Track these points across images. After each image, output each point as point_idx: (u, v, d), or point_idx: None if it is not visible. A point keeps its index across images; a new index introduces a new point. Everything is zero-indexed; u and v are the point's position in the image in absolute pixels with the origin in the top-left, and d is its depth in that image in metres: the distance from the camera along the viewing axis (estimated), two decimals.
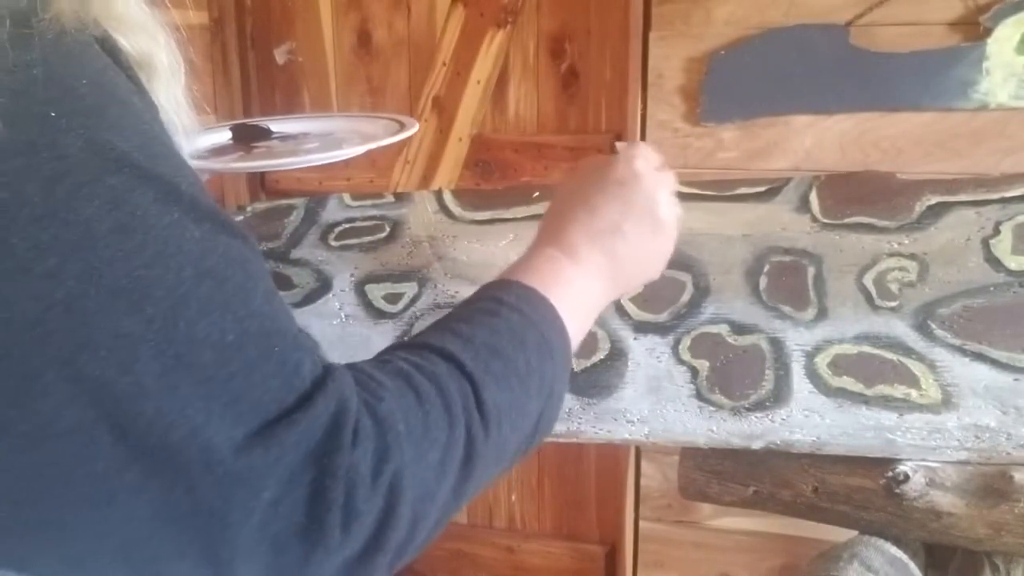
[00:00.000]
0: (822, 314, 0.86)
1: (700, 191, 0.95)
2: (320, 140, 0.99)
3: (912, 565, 0.87)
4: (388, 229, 1.00)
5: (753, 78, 1.49)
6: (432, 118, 1.87)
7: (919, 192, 0.89)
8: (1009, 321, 0.82)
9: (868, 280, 0.87)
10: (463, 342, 0.53)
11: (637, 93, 1.59)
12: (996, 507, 0.80)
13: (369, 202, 1.03)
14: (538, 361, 0.56)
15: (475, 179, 1.88)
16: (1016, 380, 0.80)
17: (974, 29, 1.38)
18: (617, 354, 0.88)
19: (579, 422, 0.85)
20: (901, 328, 0.84)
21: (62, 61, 0.40)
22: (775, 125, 1.50)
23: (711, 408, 0.84)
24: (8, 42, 0.38)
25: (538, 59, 1.83)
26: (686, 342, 0.88)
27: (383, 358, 0.52)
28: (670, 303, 0.89)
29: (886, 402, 0.82)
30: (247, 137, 1.00)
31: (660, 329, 0.89)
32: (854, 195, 0.90)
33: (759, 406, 0.84)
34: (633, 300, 0.90)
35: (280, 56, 1.99)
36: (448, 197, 1.01)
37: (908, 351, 0.83)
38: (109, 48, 0.44)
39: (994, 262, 0.84)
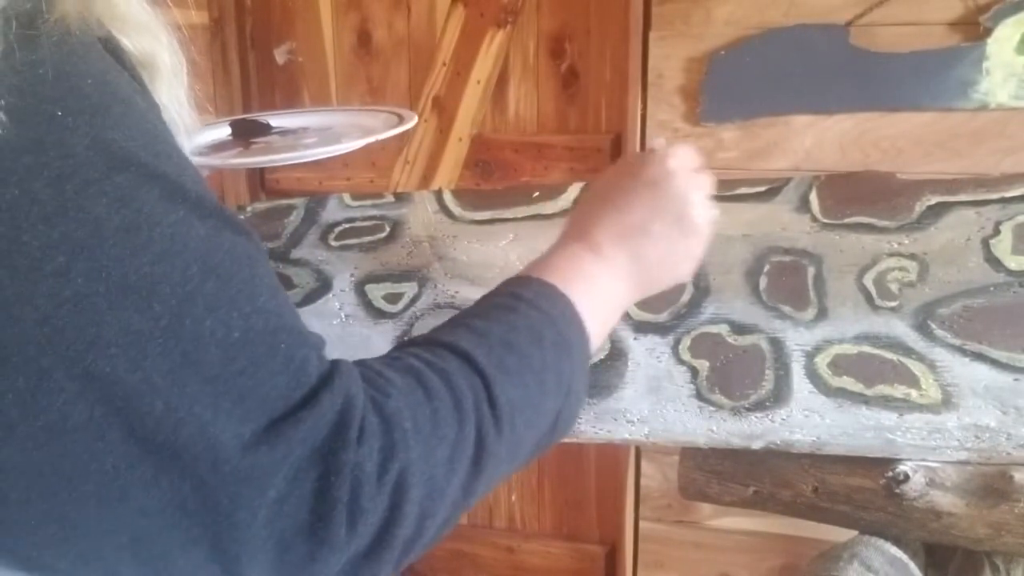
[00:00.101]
0: (822, 314, 0.86)
1: None
2: (319, 135, 0.99)
3: (912, 565, 0.87)
4: (388, 229, 1.00)
5: (753, 78, 1.49)
6: (432, 118, 1.87)
7: (919, 192, 0.89)
8: (1009, 321, 0.82)
9: (868, 280, 0.87)
10: (477, 338, 0.53)
11: (637, 93, 1.59)
12: (996, 507, 0.81)
13: (369, 202, 1.03)
14: (555, 358, 0.56)
15: (475, 179, 1.88)
16: (1016, 380, 0.80)
17: (974, 29, 1.38)
18: (617, 354, 0.88)
19: (579, 422, 0.85)
20: (901, 328, 0.84)
21: (67, 61, 0.40)
22: (775, 125, 1.50)
23: (711, 408, 0.84)
24: (14, 42, 0.39)
25: (538, 59, 1.83)
26: (686, 342, 0.88)
27: (394, 355, 0.52)
28: (670, 303, 0.89)
29: (886, 402, 0.82)
30: (246, 132, 0.99)
31: (660, 329, 0.89)
32: (854, 195, 0.90)
33: (759, 406, 0.84)
34: None
35: (280, 56, 1.99)
36: (448, 197, 1.01)
37: (908, 351, 0.83)
38: (112, 48, 0.44)
39: (994, 262, 0.85)
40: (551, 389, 0.55)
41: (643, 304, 0.90)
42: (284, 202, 1.05)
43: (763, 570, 1.69)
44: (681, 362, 0.87)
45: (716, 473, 0.91)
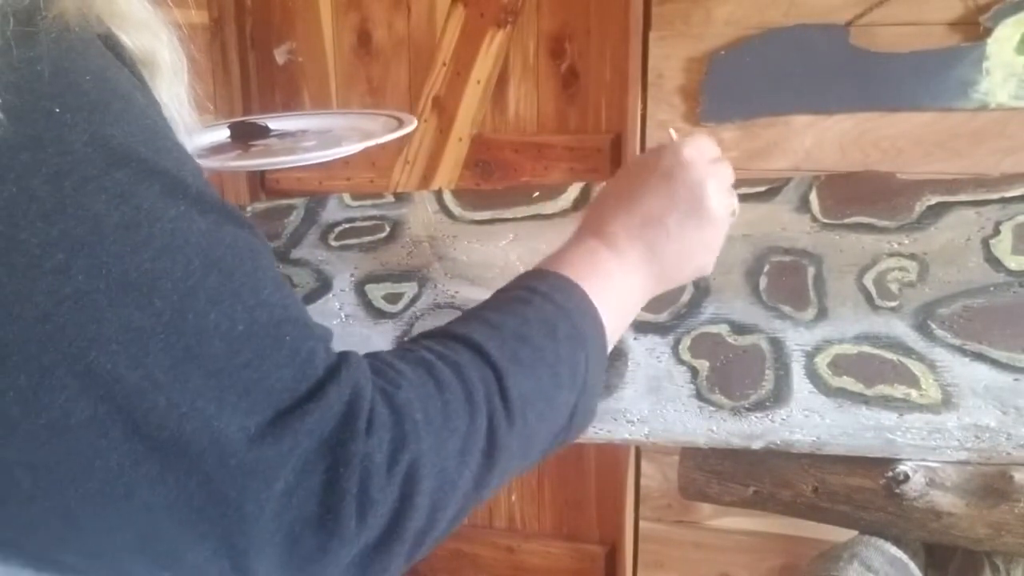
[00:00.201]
0: (822, 314, 0.86)
1: None
2: (318, 138, 0.99)
3: (912, 565, 0.87)
4: (388, 229, 1.00)
5: (753, 78, 1.49)
6: (432, 118, 1.87)
7: (919, 192, 0.89)
8: (1009, 321, 0.82)
9: (868, 280, 0.87)
10: (490, 330, 0.53)
11: (637, 93, 1.59)
12: (996, 507, 0.80)
13: (369, 202, 1.03)
14: (569, 351, 0.55)
15: (475, 179, 1.88)
16: (1016, 380, 0.80)
17: (974, 29, 1.38)
18: (617, 354, 0.88)
19: None
20: (901, 328, 0.84)
21: (66, 57, 0.40)
22: (775, 125, 1.50)
23: (711, 408, 0.84)
24: (12, 39, 0.39)
25: (538, 59, 1.83)
26: (686, 342, 0.88)
27: (406, 347, 0.52)
28: (670, 303, 0.89)
29: (886, 402, 0.82)
30: (245, 135, 0.99)
31: (660, 329, 0.89)
32: (854, 195, 0.90)
33: (759, 406, 0.84)
34: None
35: (280, 56, 1.99)
36: (448, 197, 1.01)
37: (908, 351, 0.83)
38: (112, 45, 0.44)
39: (994, 262, 0.85)
40: (565, 382, 0.55)
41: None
42: (284, 202, 1.05)
43: (763, 570, 1.69)
44: (681, 362, 0.87)
45: (716, 473, 0.91)
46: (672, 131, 0.74)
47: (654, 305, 0.89)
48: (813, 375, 0.84)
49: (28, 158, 0.38)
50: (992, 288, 0.84)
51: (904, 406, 0.81)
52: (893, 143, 1.46)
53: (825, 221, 0.90)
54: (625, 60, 1.64)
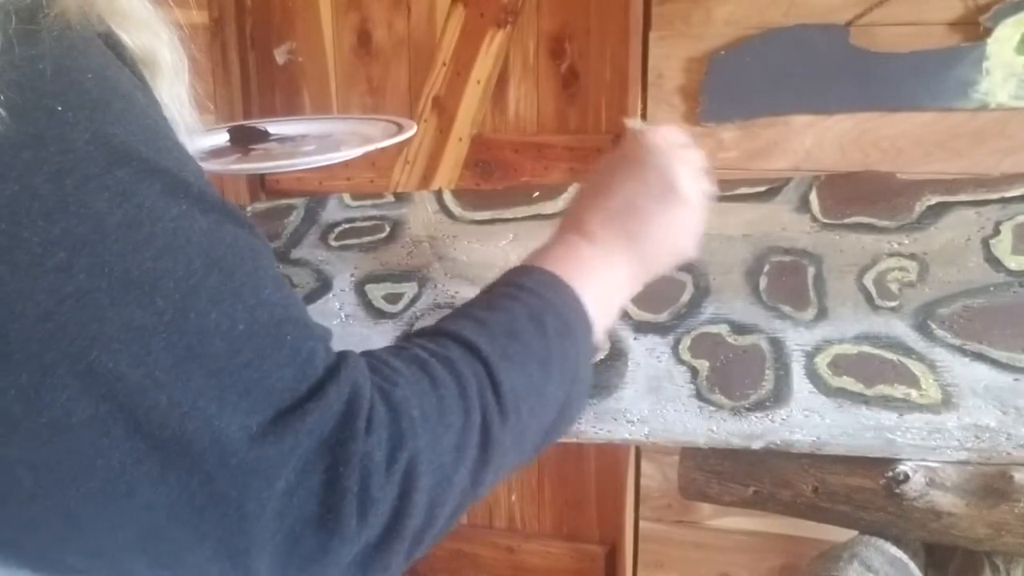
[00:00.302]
0: (822, 314, 0.86)
1: None
2: (318, 142, 0.99)
3: (912, 565, 0.87)
4: (388, 229, 1.00)
5: (753, 78, 1.49)
6: (432, 118, 1.87)
7: (919, 192, 0.89)
8: (1009, 321, 0.82)
9: (868, 280, 0.87)
10: (479, 326, 0.53)
11: (637, 93, 1.59)
12: (996, 507, 0.81)
13: (369, 202, 1.03)
14: (558, 345, 0.56)
15: (475, 179, 1.88)
16: (1016, 380, 0.80)
17: (974, 29, 1.38)
18: (617, 354, 0.88)
19: (579, 422, 0.85)
20: (901, 328, 0.84)
21: (67, 56, 0.40)
22: (775, 125, 1.50)
23: (711, 408, 0.84)
24: (14, 38, 0.39)
25: (538, 59, 1.83)
26: (686, 342, 0.88)
27: (400, 345, 0.52)
28: (670, 303, 0.89)
29: (886, 402, 0.82)
30: (245, 139, 1.00)
31: (660, 329, 0.89)
32: (854, 195, 0.90)
33: (759, 406, 0.84)
34: (633, 300, 0.90)
35: (280, 56, 1.99)
36: (448, 197, 1.01)
37: (908, 351, 0.83)
38: (112, 44, 0.44)
39: (994, 262, 0.85)
40: (555, 376, 0.55)
41: (643, 304, 0.90)
42: (284, 202, 1.05)
43: (763, 570, 1.69)
44: (681, 362, 0.87)
45: (716, 473, 0.91)
46: (627, 121, 0.74)
47: (654, 305, 0.90)
48: (813, 375, 0.84)
49: (30, 156, 0.38)
50: (992, 288, 0.84)
51: (904, 406, 0.81)
52: (893, 143, 1.46)
53: (825, 221, 0.90)
54: (625, 60, 1.64)
